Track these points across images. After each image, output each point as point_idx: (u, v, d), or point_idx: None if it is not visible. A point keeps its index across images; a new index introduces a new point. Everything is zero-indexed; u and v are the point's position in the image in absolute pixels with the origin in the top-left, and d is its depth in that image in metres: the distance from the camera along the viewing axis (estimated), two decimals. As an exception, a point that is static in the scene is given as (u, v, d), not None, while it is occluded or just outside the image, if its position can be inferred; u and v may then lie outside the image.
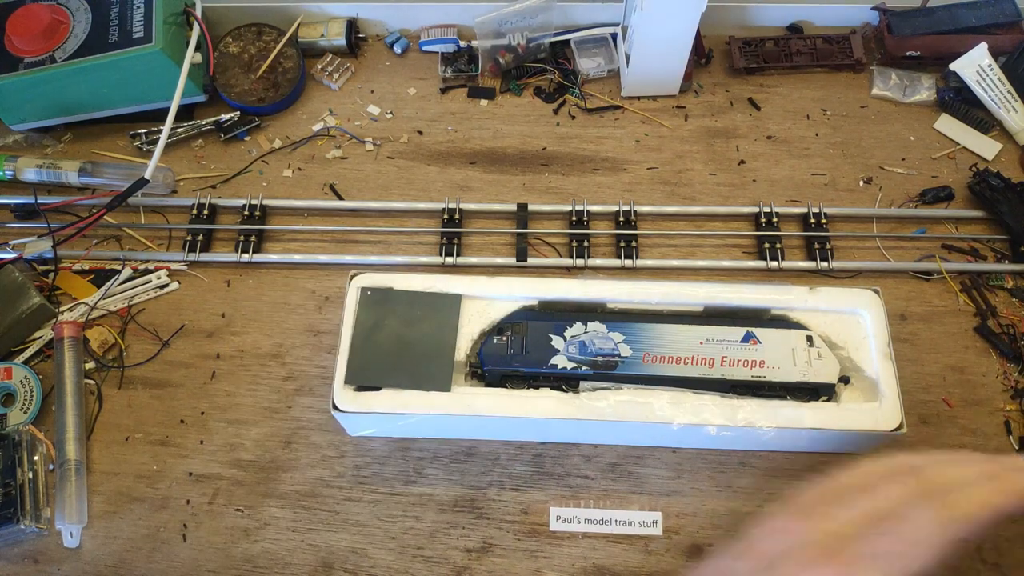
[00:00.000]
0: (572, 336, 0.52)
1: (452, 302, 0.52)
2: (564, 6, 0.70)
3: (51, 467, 0.54)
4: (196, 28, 0.66)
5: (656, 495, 0.54)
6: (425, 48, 0.73)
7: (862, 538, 0.35)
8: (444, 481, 0.54)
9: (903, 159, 0.67)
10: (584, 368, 0.51)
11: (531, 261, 0.62)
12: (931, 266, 0.62)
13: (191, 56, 0.65)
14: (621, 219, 0.64)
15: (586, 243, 0.63)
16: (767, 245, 0.62)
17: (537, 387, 0.51)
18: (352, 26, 0.72)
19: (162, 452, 0.55)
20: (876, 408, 0.49)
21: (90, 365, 0.58)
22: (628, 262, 0.62)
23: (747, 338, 0.52)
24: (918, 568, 0.34)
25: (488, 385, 0.52)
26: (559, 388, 0.51)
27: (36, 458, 0.54)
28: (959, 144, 0.68)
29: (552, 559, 0.52)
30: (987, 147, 0.68)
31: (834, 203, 0.65)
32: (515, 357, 0.51)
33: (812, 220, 0.63)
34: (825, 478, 0.40)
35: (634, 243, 0.63)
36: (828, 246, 0.62)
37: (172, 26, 0.65)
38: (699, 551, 0.52)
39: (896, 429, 0.48)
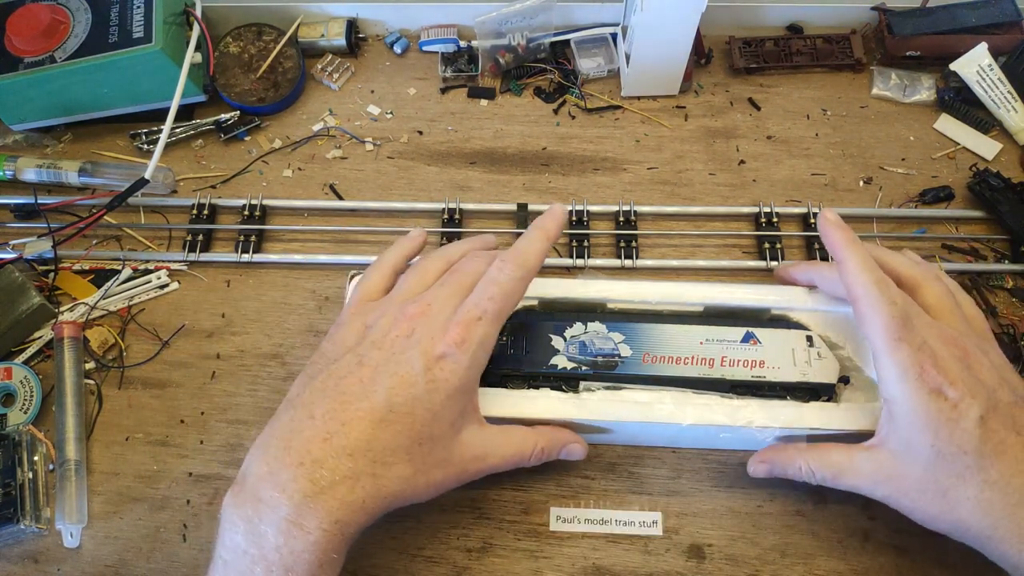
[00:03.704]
0: (572, 336, 0.51)
1: None
2: (564, 6, 0.70)
3: (51, 467, 0.54)
4: (196, 28, 0.66)
5: (656, 495, 0.54)
6: (425, 48, 0.73)
7: (468, 298, 0.44)
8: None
9: (903, 159, 0.67)
10: (584, 368, 0.51)
11: (531, 261, 0.62)
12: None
13: (191, 56, 0.65)
14: (621, 219, 0.64)
15: (586, 243, 0.63)
16: (767, 245, 0.62)
17: (537, 387, 0.51)
18: (352, 26, 0.72)
19: (162, 452, 0.55)
20: (875, 408, 0.49)
21: (90, 365, 0.58)
22: (628, 262, 0.62)
23: (747, 338, 0.51)
24: (509, 312, 0.45)
25: (488, 385, 0.51)
26: (559, 388, 0.51)
27: (36, 458, 0.54)
28: (959, 144, 0.68)
29: (552, 559, 0.52)
30: (987, 147, 0.68)
31: (834, 203, 0.65)
32: (515, 357, 0.51)
33: (812, 220, 0.63)
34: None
35: (634, 243, 0.63)
36: (828, 246, 0.62)
37: (172, 26, 0.65)
38: (699, 551, 0.52)
39: None
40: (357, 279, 0.52)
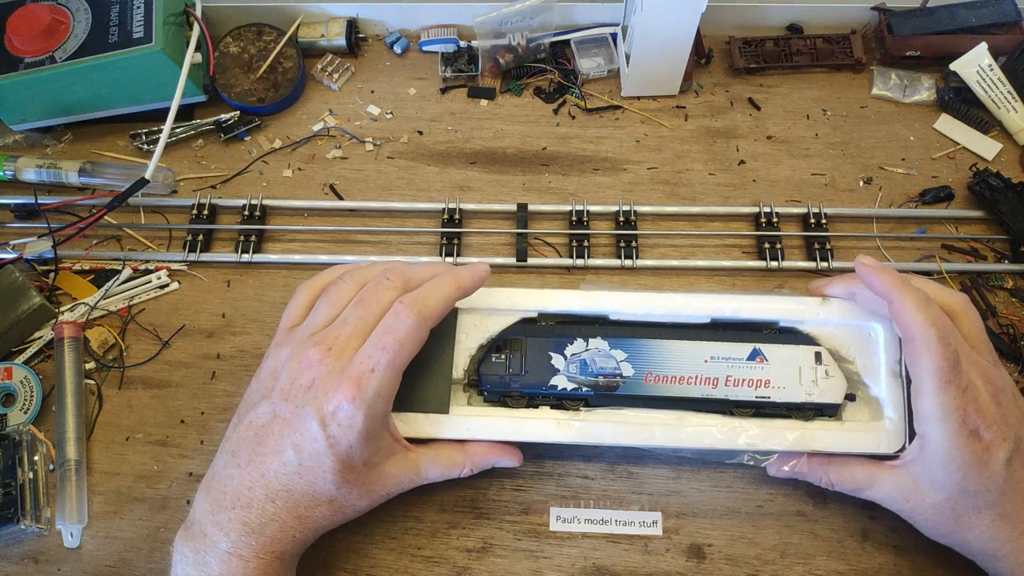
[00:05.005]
0: (573, 355, 0.50)
1: (448, 316, 0.50)
2: (564, 6, 0.70)
3: (51, 467, 0.54)
4: (196, 28, 0.66)
5: (656, 495, 0.54)
6: (425, 48, 0.73)
7: (362, 348, 0.44)
8: (444, 481, 0.54)
9: (903, 159, 0.67)
10: (585, 389, 0.50)
11: (531, 261, 0.62)
12: (931, 266, 0.62)
13: (191, 56, 0.65)
14: (621, 219, 0.64)
15: (586, 243, 0.63)
16: (767, 245, 0.62)
17: (536, 406, 0.50)
18: (352, 26, 0.72)
19: (162, 452, 0.55)
20: (879, 427, 0.49)
21: (90, 365, 0.58)
22: (628, 262, 0.62)
23: (753, 355, 0.50)
24: (406, 361, 0.45)
25: (487, 402, 0.51)
26: (560, 406, 0.50)
27: (36, 458, 0.54)
28: (959, 144, 0.68)
29: (552, 559, 0.52)
30: (987, 147, 0.68)
31: (834, 203, 0.65)
32: (514, 378, 0.50)
33: (812, 220, 0.63)
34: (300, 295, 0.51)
35: (634, 243, 0.63)
36: (828, 246, 0.62)
37: (172, 26, 0.65)
38: (699, 551, 0.52)
39: (899, 451, 0.48)
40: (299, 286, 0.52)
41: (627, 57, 0.68)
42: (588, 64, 0.71)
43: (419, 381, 0.49)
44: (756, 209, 0.64)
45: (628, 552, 0.52)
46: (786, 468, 0.50)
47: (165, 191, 0.65)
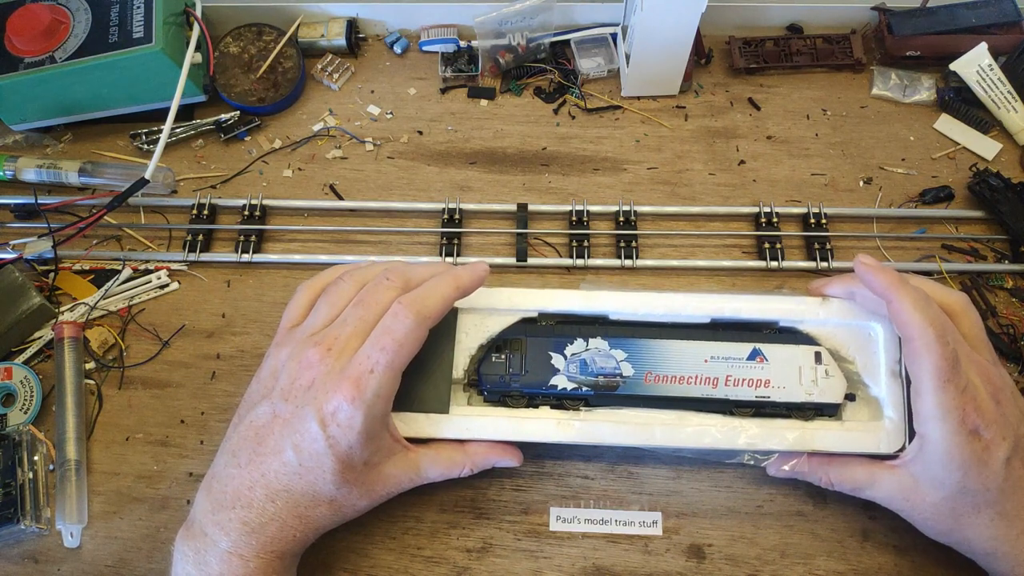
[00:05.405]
0: (573, 354, 0.50)
1: (448, 316, 0.50)
2: (564, 6, 0.70)
3: (51, 467, 0.54)
4: (196, 28, 0.66)
5: (656, 495, 0.54)
6: (425, 48, 0.73)
7: (361, 349, 0.44)
8: (444, 481, 0.54)
9: (903, 159, 0.67)
10: (585, 388, 0.50)
11: (531, 261, 0.62)
12: (931, 266, 0.62)
13: (191, 56, 0.65)
14: (621, 219, 0.64)
15: (586, 243, 0.63)
16: (767, 245, 0.62)
17: (536, 406, 0.50)
18: (352, 26, 0.72)
19: (162, 452, 0.55)
20: (879, 427, 0.49)
21: (90, 365, 0.58)
22: (628, 262, 0.62)
23: (753, 355, 0.50)
24: (405, 361, 0.45)
25: (487, 402, 0.51)
26: (560, 406, 0.50)
27: (36, 458, 0.54)
28: (959, 144, 0.68)
29: (552, 559, 0.52)
30: (987, 147, 0.68)
31: (834, 203, 0.65)
32: (514, 377, 0.50)
33: (812, 220, 0.63)
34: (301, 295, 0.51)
35: (634, 243, 0.63)
36: (828, 246, 0.62)
37: (172, 26, 0.65)
38: (699, 551, 0.52)
39: (899, 451, 0.48)
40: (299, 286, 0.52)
41: (627, 57, 0.68)
42: (588, 64, 0.71)
43: (419, 381, 0.49)
44: (756, 209, 0.64)
45: (628, 552, 0.52)
46: (786, 468, 0.50)
47: (165, 191, 0.65)
